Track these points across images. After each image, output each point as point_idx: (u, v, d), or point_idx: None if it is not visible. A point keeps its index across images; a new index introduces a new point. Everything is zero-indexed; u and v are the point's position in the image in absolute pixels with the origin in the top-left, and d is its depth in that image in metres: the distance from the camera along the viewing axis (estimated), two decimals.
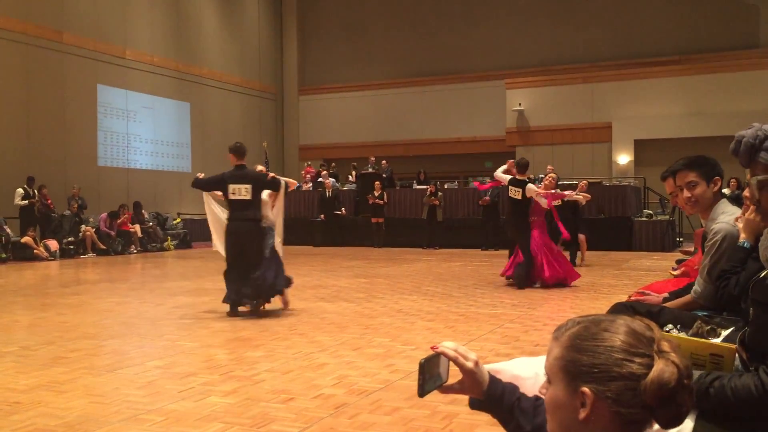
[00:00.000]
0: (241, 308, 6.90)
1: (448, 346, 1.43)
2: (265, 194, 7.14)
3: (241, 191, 6.85)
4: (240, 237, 6.89)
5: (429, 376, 1.37)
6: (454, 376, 1.44)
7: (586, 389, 1.14)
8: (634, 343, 1.13)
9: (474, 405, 1.48)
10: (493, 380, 1.46)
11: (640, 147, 20.71)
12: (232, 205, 6.95)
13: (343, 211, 18.26)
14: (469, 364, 1.41)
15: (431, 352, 1.40)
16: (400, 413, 3.52)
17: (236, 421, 3.41)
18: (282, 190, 7.14)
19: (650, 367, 1.11)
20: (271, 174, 7.21)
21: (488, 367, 1.50)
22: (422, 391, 1.35)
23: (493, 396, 1.44)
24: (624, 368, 1.12)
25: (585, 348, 1.16)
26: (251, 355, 4.96)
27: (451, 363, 1.42)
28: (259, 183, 6.98)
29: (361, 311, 7.00)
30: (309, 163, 22.13)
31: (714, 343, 1.88)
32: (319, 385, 4.10)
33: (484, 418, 3.46)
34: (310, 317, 6.68)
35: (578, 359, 1.16)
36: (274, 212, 7.21)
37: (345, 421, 3.42)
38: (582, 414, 1.14)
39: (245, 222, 6.88)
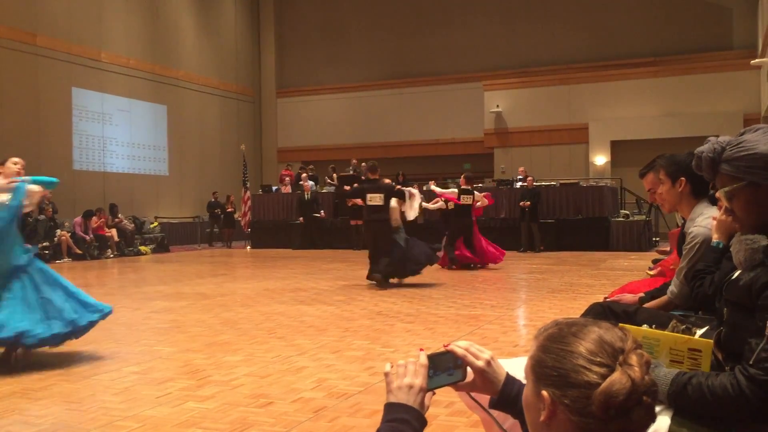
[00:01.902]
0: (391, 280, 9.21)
1: (460, 344, 1.43)
2: (394, 201, 9.26)
3: (375, 198, 9.05)
4: (375, 232, 9.13)
5: (437, 371, 1.38)
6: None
7: (544, 392, 1.13)
8: (596, 352, 1.11)
9: (491, 404, 1.47)
10: (509, 380, 1.45)
11: (617, 148, 20.92)
12: (368, 209, 9.12)
13: (323, 213, 18.22)
14: (479, 363, 1.41)
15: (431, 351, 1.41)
16: (380, 416, 3.51)
17: (214, 427, 3.38)
18: (407, 199, 9.56)
19: (606, 378, 1.09)
20: (398, 186, 9.79)
21: None
22: (428, 385, 1.36)
23: (507, 395, 1.43)
24: (580, 376, 1.10)
25: (551, 350, 1.15)
26: (230, 360, 4.92)
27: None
28: (389, 192, 9.15)
29: (340, 314, 6.99)
30: (289, 165, 22.07)
31: (692, 338, 1.90)
32: (299, 388, 4.08)
33: (463, 419, 3.45)
34: (290, 320, 6.65)
35: (544, 361, 1.15)
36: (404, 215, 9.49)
37: (324, 424, 3.41)
38: (542, 417, 1.14)
39: (378, 222, 9.06)
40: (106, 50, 19.51)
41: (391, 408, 1.31)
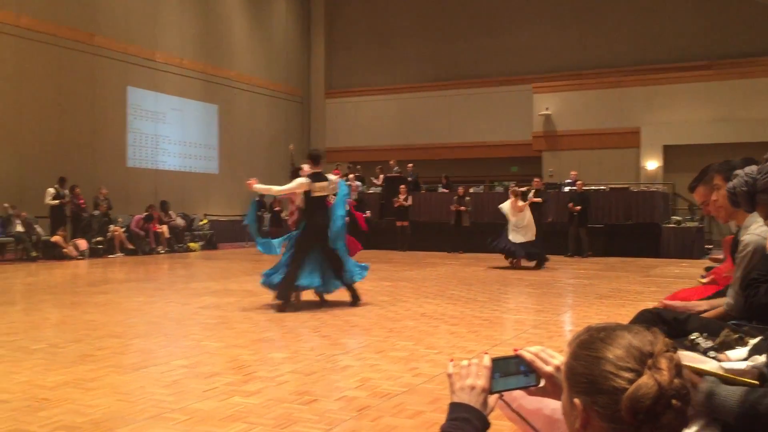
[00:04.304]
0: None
1: (531, 349, 1.43)
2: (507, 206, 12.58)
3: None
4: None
5: (502, 375, 1.38)
6: None
7: (576, 400, 1.13)
8: (623, 357, 1.11)
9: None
10: None
11: (670, 153, 20.45)
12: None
13: (368, 213, 18.27)
14: (548, 368, 1.41)
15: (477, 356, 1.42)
16: (423, 417, 3.52)
17: (259, 422, 3.43)
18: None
19: (633, 383, 1.08)
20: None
21: None
22: (492, 389, 1.37)
23: None
24: (609, 382, 1.09)
25: (581, 357, 1.16)
26: (275, 357, 4.98)
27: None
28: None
29: (384, 314, 7.01)
30: (338, 164, 22.18)
31: (738, 378, 1.77)
32: (342, 387, 4.11)
33: (508, 424, 3.43)
34: (334, 320, 6.70)
35: (575, 368, 1.16)
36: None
37: (368, 423, 3.43)
38: (577, 424, 1.14)
39: None
40: (161, 50, 19.93)
41: (454, 408, 1.34)
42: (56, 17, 16.93)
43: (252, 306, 7.58)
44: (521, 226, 12.26)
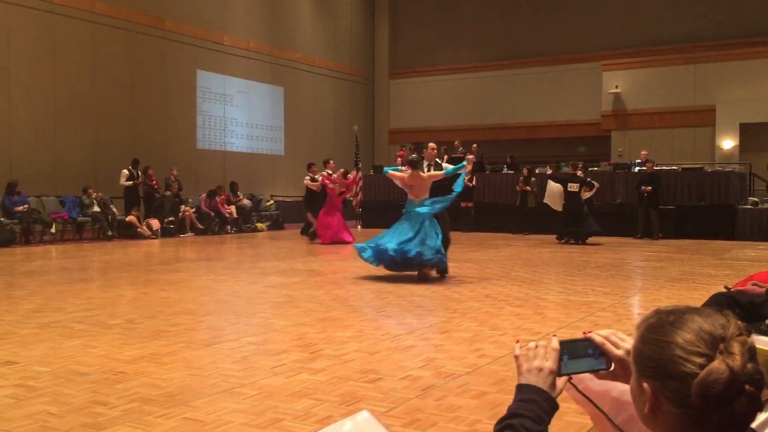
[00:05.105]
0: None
1: (601, 332, 1.42)
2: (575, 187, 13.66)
3: (574, 187, 13.54)
4: (572, 208, 13.68)
5: (571, 357, 1.38)
6: None
7: (645, 384, 1.12)
8: (694, 342, 1.08)
9: None
10: None
11: (746, 131, 19.65)
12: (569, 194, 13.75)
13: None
14: (618, 352, 1.39)
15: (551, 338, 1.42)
16: (487, 397, 3.52)
17: (326, 398, 3.50)
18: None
19: (704, 368, 1.06)
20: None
21: None
22: (560, 371, 1.37)
23: None
24: (678, 367, 1.07)
25: (649, 341, 1.14)
26: (341, 335, 5.06)
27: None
28: (582, 182, 13.75)
29: (449, 295, 7.01)
30: (403, 146, 22.17)
31: None
32: (407, 366, 4.14)
33: (573, 406, 3.39)
34: (398, 300, 6.74)
35: (643, 352, 1.14)
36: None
37: (432, 403, 3.45)
38: (645, 408, 1.13)
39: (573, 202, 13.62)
40: (229, 34, 20.26)
41: (521, 389, 1.35)
42: (129, 3, 17.40)
43: (317, 285, 7.70)
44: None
